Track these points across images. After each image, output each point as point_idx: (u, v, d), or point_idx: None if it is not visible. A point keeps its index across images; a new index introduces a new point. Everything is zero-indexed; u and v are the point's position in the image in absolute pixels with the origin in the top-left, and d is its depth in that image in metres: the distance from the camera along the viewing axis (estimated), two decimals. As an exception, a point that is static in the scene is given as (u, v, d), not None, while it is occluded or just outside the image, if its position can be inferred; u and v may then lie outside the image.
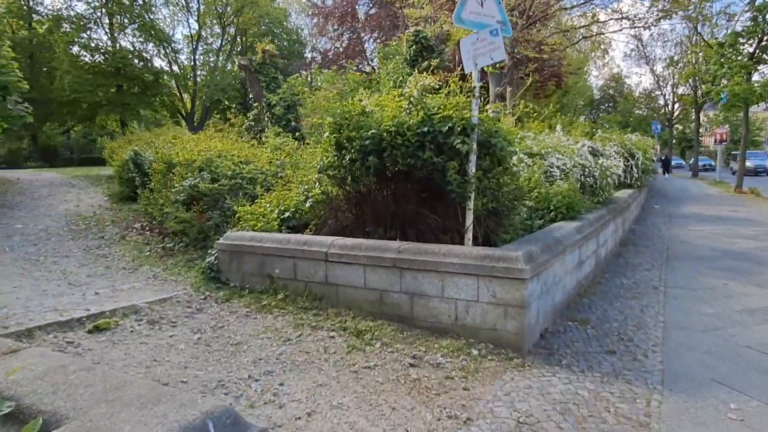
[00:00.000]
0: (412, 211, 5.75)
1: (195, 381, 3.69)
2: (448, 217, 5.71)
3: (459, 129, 5.00)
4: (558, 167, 7.84)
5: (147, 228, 8.66)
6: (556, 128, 10.46)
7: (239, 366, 3.96)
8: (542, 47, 19.03)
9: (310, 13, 40.87)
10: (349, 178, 5.93)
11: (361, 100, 5.83)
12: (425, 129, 5.13)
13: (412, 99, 5.50)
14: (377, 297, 5.00)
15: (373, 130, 5.32)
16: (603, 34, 24.90)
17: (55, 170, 20.60)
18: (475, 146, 5.06)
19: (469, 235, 5.23)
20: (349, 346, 4.32)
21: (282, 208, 6.67)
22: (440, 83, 5.84)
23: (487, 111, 5.67)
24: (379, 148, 5.36)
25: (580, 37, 23.68)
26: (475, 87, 5.17)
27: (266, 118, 14.65)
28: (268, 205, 6.89)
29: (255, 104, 15.61)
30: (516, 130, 5.93)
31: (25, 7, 31.82)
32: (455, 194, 5.07)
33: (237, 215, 6.76)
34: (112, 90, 32.57)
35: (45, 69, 32.26)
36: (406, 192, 5.71)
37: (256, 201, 7.14)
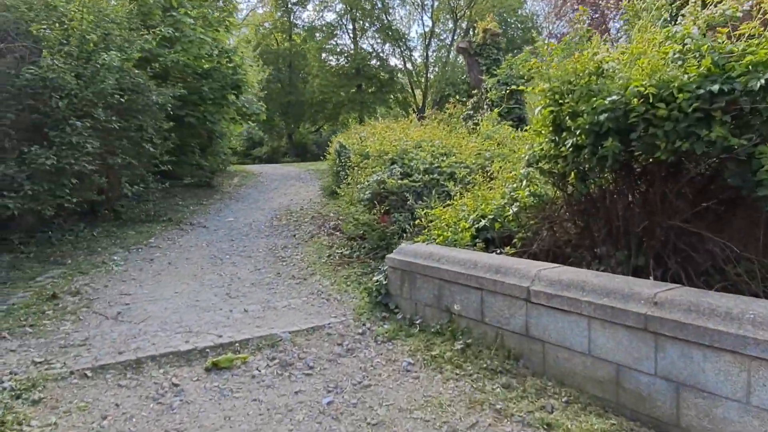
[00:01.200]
0: (677, 229, 3.52)
1: (285, 499, 2.30)
2: (748, 241, 3.34)
3: (791, 82, 2.66)
4: None
5: (338, 228, 7.89)
6: None
7: (363, 475, 2.46)
8: None
9: (547, -5, 37.76)
10: (572, 174, 3.96)
11: (595, 54, 3.77)
12: (713, 88, 2.91)
13: (687, 41, 3.27)
14: (610, 375, 2.98)
15: (613, 97, 3.27)
16: None
17: (296, 164, 22.36)
18: (824, 114, 2.66)
19: (801, 282, 2.83)
20: (551, 470, 2.46)
21: (478, 215, 5.00)
22: (746, 10, 3.44)
23: None
24: (622, 126, 3.30)
25: None
26: (826, 2, 2.74)
27: (485, 106, 13.06)
28: (463, 209, 5.30)
29: (474, 91, 14.04)
30: None
31: (287, 23, 36.28)
32: (775, 204, 2.75)
33: (418, 220, 5.35)
34: (352, 90, 35.30)
35: (300, 75, 36.36)
36: (669, 197, 3.51)
37: (449, 202, 5.62)
